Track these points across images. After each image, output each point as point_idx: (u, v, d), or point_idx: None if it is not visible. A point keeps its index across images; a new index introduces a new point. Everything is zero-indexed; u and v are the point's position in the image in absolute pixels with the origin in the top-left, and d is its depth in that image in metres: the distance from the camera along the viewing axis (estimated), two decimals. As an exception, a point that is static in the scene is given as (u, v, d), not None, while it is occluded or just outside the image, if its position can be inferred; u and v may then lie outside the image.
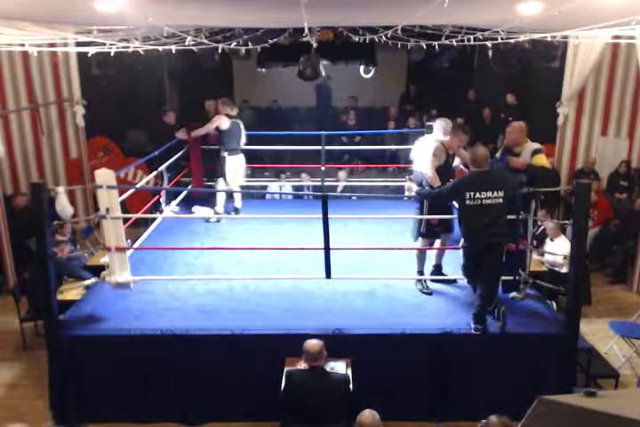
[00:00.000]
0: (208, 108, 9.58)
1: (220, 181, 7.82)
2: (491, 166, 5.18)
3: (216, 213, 7.86)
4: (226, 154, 7.69)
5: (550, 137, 9.60)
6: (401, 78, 12.94)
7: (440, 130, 5.67)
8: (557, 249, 6.65)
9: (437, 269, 6.00)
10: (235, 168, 7.80)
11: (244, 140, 7.97)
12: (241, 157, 7.92)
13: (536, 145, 5.48)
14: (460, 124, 5.78)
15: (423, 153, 5.64)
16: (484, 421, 3.36)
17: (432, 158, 5.53)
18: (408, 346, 5.03)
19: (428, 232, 5.73)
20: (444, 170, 5.60)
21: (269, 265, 6.26)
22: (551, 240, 7.00)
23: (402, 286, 5.84)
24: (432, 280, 5.91)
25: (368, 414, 3.69)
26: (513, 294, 5.59)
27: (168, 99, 11.49)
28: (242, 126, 7.91)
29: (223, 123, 7.63)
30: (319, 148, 8.66)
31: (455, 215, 5.48)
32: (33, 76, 9.18)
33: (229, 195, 8.10)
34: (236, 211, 8.04)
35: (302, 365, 4.46)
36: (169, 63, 10.66)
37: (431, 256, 5.98)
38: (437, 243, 5.91)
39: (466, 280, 5.36)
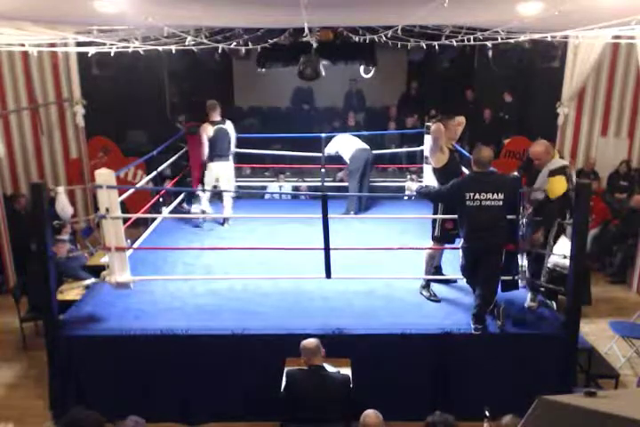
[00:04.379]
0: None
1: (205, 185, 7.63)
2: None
3: (203, 212, 7.63)
4: (207, 161, 7.51)
5: (550, 137, 9.59)
6: (401, 78, 12.93)
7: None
8: (559, 249, 6.63)
9: (437, 270, 5.99)
10: (216, 175, 7.56)
11: (232, 145, 7.73)
12: (225, 164, 7.62)
13: (558, 163, 5.21)
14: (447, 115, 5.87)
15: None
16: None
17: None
18: (408, 346, 5.03)
19: (443, 236, 5.62)
20: (449, 168, 5.58)
21: (269, 265, 6.25)
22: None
23: (402, 286, 5.84)
24: (432, 280, 5.91)
25: (373, 415, 3.68)
26: (528, 303, 5.50)
27: (168, 99, 11.50)
28: (229, 131, 7.63)
29: (208, 132, 7.45)
30: (319, 155, 8.64)
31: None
32: (33, 76, 9.16)
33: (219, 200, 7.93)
34: (225, 220, 7.72)
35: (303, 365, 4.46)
36: (169, 63, 10.67)
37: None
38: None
39: (465, 280, 5.37)
